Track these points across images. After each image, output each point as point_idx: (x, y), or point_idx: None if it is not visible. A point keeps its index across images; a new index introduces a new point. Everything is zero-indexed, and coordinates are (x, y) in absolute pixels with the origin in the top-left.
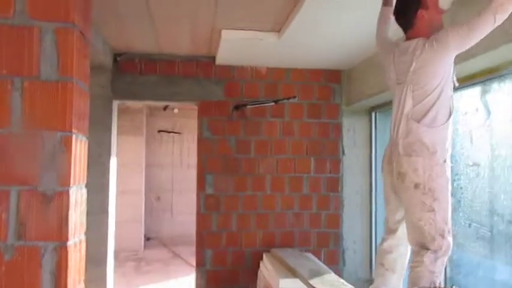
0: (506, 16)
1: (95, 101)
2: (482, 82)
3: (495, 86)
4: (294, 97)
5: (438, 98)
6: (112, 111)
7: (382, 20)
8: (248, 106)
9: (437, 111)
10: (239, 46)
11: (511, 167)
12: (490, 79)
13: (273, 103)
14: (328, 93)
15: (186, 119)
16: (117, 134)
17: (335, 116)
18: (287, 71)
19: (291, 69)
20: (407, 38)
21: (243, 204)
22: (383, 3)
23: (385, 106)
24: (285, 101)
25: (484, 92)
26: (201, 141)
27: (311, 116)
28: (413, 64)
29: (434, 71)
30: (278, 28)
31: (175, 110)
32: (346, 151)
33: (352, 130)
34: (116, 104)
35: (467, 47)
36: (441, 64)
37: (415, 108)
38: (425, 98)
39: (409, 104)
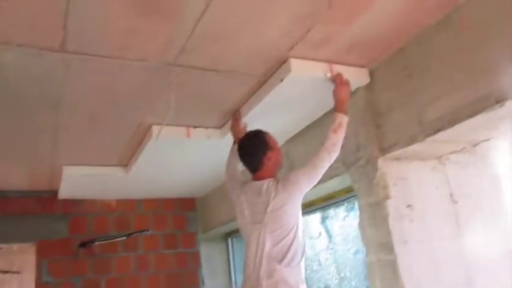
0: (337, 154)
1: None
2: (321, 208)
3: (332, 212)
4: (147, 230)
5: (295, 236)
6: None
7: (233, 157)
8: (96, 242)
9: (296, 250)
10: (84, 180)
11: None
12: (328, 206)
13: (124, 237)
14: (183, 222)
15: (26, 255)
16: None
17: (192, 245)
18: (138, 202)
19: (142, 200)
20: (256, 178)
21: None
22: (234, 141)
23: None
24: (138, 234)
25: (323, 218)
26: (39, 286)
27: (167, 246)
28: (270, 205)
29: (291, 211)
30: (125, 163)
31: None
32: (205, 281)
33: (210, 258)
34: None
35: (315, 183)
36: (295, 204)
37: (275, 248)
38: (284, 238)
39: (268, 244)
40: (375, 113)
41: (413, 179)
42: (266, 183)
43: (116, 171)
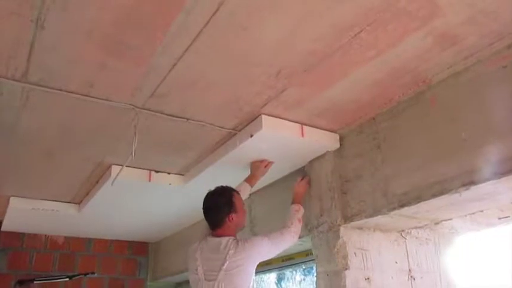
0: (297, 237)
1: None
2: (278, 268)
3: (288, 273)
4: (93, 273)
5: None
6: None
7: None
8: (36, 281)
9: None
10: (32, 214)
11: None
12: (285, 266)
13: (66, 279)
14: (133, 267)
15: None
16: None
17: None
18: (88, 242)
19: (92, 240)
20: (215, 235)
21: None
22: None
23: None
24: (82, 276)
25: (279, 279)
26: None
27: None
28: (227, 263)
29: (246, 273)
30: (78, 200)
31: None
32: None
33: None
34: None
35: (271, 257)
36: (252, 267)
37: None
38: None
39: None
40: (341, 179)
41: (373, 250)
42: (226, 241)
43: (67, 208)
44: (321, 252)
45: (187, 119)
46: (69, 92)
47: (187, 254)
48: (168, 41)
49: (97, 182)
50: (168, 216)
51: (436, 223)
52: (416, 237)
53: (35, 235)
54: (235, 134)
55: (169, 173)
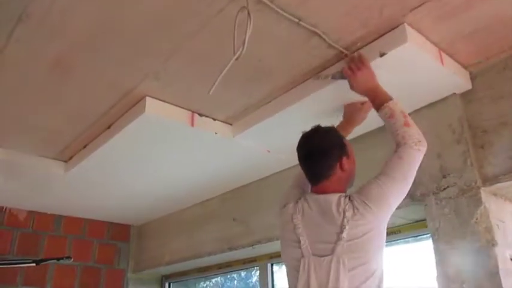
0: (425, 143)
1: None
2: None
3: None
4: (69, 258)
5: (382, 277)
6: None
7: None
8: None
9: None
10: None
11: None
12: None
13: (33, 264)
14: (111, 255)
15: None
16: None
17: (117, 286)
18: (57, 219)
19: (63, 217)
20: (319, 191)
21: None
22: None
23: (182, 276)
24: (54, 261)
25: None
26: None
27: (84, 285)
28: (347, 230)
29: (377, 240)
30: (67, 156)
31: None
32: None
33: None
34: None
35: (403, 197)
36: (382, 230)
37: None
38: (368, 278)
39: (344, 286)
40: (474, 129)
41: (510, 223)
42: (337, 199)
43: (50, 166)
44: (446, 224)
45: (299, 20)
46: None
47: (279, 218)
48: None
49: (109, 127)
50: (162, 191)
51: None
52: None
53: None
54: (344, 56)
55: (214, 119)
